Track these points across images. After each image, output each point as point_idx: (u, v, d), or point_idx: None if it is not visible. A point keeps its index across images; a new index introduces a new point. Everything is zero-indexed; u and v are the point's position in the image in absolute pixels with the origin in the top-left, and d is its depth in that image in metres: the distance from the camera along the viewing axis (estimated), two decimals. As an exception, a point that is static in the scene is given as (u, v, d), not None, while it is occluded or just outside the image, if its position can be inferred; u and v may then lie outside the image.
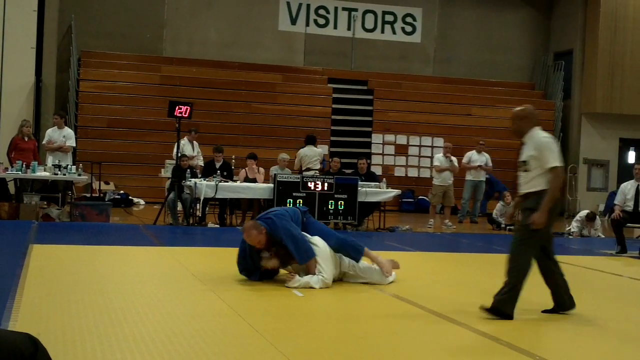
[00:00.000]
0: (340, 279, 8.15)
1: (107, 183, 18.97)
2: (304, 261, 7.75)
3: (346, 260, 8.11)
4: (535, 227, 6.62)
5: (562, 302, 6.99)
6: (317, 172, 15.82)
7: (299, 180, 14.36)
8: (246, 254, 7.96)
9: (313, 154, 16.43)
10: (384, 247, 12.22)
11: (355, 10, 23.78)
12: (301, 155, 16.42)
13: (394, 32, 24.11)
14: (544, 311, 6.98)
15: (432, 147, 22.50)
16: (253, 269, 7.99)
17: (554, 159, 6.67)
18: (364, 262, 8.26)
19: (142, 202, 19.51)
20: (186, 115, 14.57)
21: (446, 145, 17.68)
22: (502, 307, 6.59)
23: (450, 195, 16.98)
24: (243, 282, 7.96)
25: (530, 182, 6.77)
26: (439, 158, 17.32)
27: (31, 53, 18.93)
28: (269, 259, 7.84)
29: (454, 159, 17.12)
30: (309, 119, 21.96)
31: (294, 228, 7.80)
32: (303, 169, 16.15)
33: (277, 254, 7.81)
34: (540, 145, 6.74)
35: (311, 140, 16.62)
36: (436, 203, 17.23)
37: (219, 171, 14.88)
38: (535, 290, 7.00)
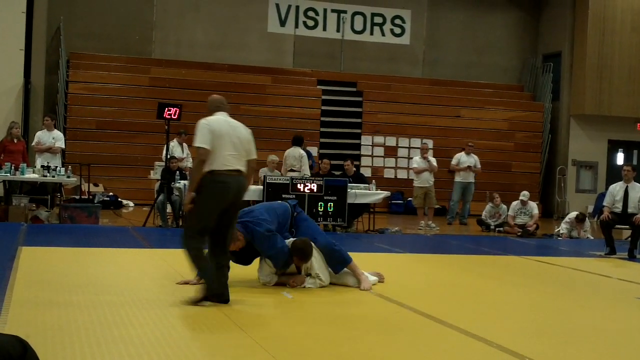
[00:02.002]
0: None
1: (96, 185, 18.91)
2: (280, 269, 7.81)
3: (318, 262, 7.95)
4: (184, 209, 6.74)
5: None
6: (302, 174, 15.66)
7: (288, 182, 14.35)
8: None
9: (294, 155, 16.28)
10: (373, 248, 12.24)
11: (344, 12, 23.79)
12: (284, 155, 16.35)
13: (383, 34, 24.14)
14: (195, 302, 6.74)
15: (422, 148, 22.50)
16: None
17: (197, 140, 6.80)
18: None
19: (131, 204, 19.45)
20: (175, 116, 14.55)
21: (423, 146, 17.71)
22: (208, 292, 6.68)
23: (432, 196, 16.94)
24: (232, 284, 7.94)
25: None
26: (416, 159, 17.34)
27: (20, 55, 18.86)
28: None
29: (431, 159, 17.10)
30: (298, 120, 21.94)
31: (271, 236, 7.63)
32: (287, 169, 16.07)
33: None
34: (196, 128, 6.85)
35: (297, 141, 16.53)
36: (418, 205, 17.19)
37: (208, 173, 14.82)
38: (528, 291, 6.99)
